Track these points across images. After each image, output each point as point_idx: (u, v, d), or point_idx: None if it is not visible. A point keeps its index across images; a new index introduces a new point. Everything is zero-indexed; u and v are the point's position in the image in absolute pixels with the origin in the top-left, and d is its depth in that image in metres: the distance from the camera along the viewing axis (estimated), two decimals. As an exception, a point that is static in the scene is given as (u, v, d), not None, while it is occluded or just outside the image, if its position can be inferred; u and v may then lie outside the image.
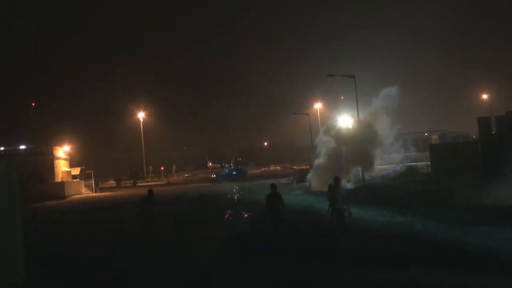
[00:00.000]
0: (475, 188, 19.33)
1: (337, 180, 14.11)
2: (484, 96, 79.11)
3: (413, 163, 39.17)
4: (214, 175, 60.01)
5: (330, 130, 35.85)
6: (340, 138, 33.91)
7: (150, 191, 16.54)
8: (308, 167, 43.03)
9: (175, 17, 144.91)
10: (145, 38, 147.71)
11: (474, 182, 21.01)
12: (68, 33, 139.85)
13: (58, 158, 55.53)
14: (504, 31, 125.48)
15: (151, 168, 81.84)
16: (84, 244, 16.52)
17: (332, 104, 75.22)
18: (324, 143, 35.33)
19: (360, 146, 30.32)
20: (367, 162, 31.14)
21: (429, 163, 35.62)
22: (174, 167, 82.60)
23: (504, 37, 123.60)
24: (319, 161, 34.62)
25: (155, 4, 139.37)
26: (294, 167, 57.39)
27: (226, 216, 19.00)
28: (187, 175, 79.86)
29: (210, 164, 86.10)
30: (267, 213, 14.52)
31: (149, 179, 73.50)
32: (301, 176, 40.16)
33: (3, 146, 57.75)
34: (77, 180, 56.24)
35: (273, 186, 15.10)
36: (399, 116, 34.00)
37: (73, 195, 50.03)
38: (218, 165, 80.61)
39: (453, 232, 13.69)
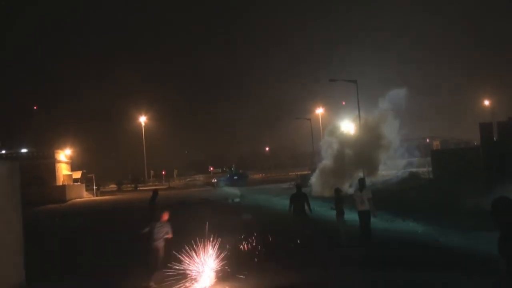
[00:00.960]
0: (476, 194, 19.25)
1: (362, 182, 14.15)
2: (486, 103, 79.08)
3: (414, 169, 39.09)
4: (215, 180, 60.00)
5: (335, 131, 35.63)
6: (344, 141, 33.76)
7: (155, 193, 16.37)
8: (309, 172, 42.97)
9: (175, 17, 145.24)
10: (145, 38, 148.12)
11: (475, 188, 20.93)
12: (68, 33, 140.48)
13: (60, 162, 55.56)
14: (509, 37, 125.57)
15: (152, 172, 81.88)
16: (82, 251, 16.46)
17: (334, 109, 75.31)
18: (329, 145, 35.08)
19: (364, 150, 30.16)
20: (371, 166, 30.97)
21: (430, 169, 35.55)
22: (175, 172, 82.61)
23: (508, 44, 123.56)
24: (324, 163, 34.33)
25: (155, 4, 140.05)
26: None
27: None
28: (189, 179, 79.89)
29: (212, 168, 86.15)
30: (295, 218, 14.36)
31: (151, 184, 73.52)
32: (303, 181, 40.07)
33: (4, 150, 57.82)
34: (78, 183, 56.26)
35: (299, 187, 15.18)
36: (406, 119, 33.92)
37: (74, 198, 49.99)
38: (220, 170, 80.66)
39: (454, 237, 13.66)
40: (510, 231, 4.47)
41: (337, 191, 14.86)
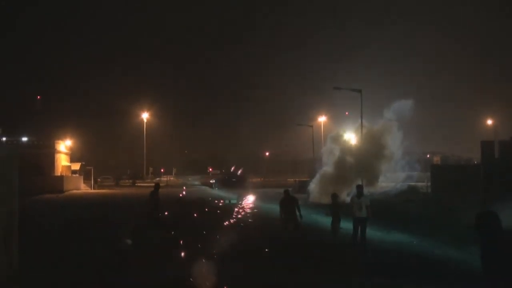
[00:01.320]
0: (475, 210, 19.22)
1: (360, 188, 13.98)
2: (489, 122, 79.01)
3: (413, 183, 39.05)
4: (213, 181, 60.02)
5: (339, 138, 35.52)
6: (347, 149, 33.69)
7: (156, 187, 16.38)
8: (308, 179, 42.94)
9: (175, 17, 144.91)
10: (145, 38, 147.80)
11: (474, 204, 20.89)
12: (68, 33, 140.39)
13: (59, 152, 55.60)
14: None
15: (151, 169, 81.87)
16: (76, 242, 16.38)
17: (337, 118, 75.07)
18: (331, 151, 34.94)
19: (366, 159, 30.07)
20: (372, 176, 30.87)
21: (429, 183, 35.52)
22: (174, 170, 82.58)
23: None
24: (324, 170, 34.21)
25: (155, 4, 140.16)
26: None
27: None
28: (190, 178, 79.84)
29: (211, 169, 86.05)
30: (285, 222, 14.27)
31: (149, 180, 73.48)
32: (301, 187, 40.02)
33: (5, 137, 57.80)
34: (77, 175, 56.27)
35: (287, 191, 15.01)
36: (408, 133, 33.75)
37: (72, 190, 50.03)
38: (218, 171, 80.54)
39: (450, 250, 13.63)
40: (491, 244, 4.49)
41: (334, 197, 14.81)
